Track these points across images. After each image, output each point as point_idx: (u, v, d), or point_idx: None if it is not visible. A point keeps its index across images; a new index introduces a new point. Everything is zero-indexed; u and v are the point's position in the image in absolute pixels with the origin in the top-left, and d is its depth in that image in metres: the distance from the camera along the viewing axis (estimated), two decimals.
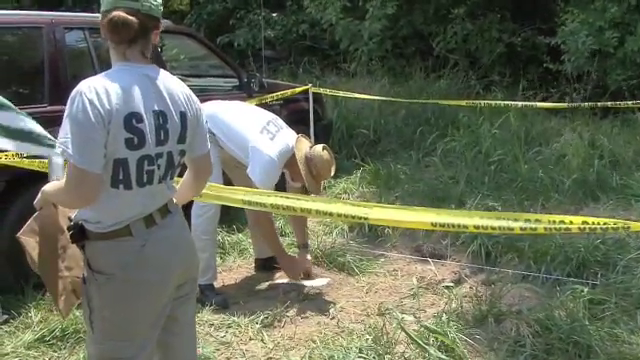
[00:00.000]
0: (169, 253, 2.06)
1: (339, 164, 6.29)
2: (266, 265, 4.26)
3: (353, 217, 3.03)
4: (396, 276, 4.25)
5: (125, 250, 1.97)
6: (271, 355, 3.23)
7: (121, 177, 1.92)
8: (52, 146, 2.40)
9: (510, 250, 4.33)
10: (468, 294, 3.83)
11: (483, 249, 4.37)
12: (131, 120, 1.89)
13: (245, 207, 3.38)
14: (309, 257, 4.18)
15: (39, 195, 2.09)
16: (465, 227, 2.77)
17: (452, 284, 4.03)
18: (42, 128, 2.47)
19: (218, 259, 4.26)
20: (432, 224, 2.79)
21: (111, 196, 1.93)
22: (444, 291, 3.93)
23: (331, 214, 3.10)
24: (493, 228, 2.71)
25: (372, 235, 4.85)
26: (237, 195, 3.33)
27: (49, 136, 2.43)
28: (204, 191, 3.35)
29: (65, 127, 1.84)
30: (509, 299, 3.71)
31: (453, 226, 2.79)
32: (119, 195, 1.94)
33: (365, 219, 3.03)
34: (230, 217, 4.13)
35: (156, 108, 1.96)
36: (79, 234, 2.00)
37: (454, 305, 3.64)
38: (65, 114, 1.86)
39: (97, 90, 1.85)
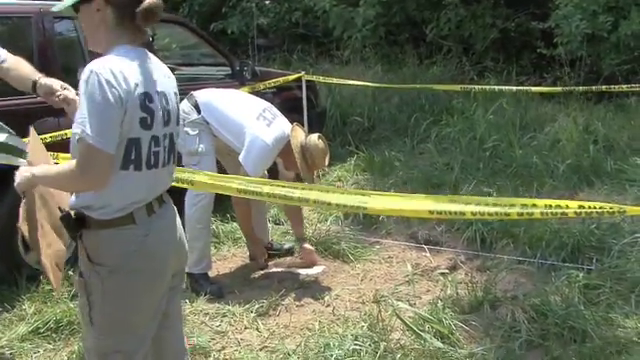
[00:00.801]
0: (167, 243, 2.07)
1: (333, 151, 6.27)
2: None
3: (351, 207, 3.02)
4: (391, 263, 4.25)
5: (129, 239, 1.95)
6: (266, 344, 3.22)
7: (133, 157, 1.92)
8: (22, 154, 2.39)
9: (505, 236, 4.33)
10: (463, 280, 3.82)
11: (478, 235, 4.36)
12: (145, 100, 1.92)
13: (240, 196, 3.35)
14: (309, 247, 4.16)
15: (21, 178, 1.99)
16: (462, 214, 2.77)
17: (447, 271, 4.03)
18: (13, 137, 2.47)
19: (212, 248, 4.26)
20: (430, 212, 2.78)
21: (120, 178, 1.91)
22: (439, 278, 3.93)
23: (329, 204, 3.09)
24: (490, 214, 2.71)
25: (367, 222, 4.85)
26: (232, 184, 3.31)
27: (19, 145, 2.43)
28: (198, 179, 3.35)
29: (82, 108, 1.82)
30: (504, 285, 3.71)
31: (451, 213, 2.78)
32: (128, 177, 1.93)
33: (363, 209, 3.02)
34: (224, 206, 4.12)
35: (159, 89, 1.98)
36: (77, 223, 1.96)
37: (449, 292, 3.64)
38: (81, 95, 1.84)
39: (112, 70, 1.85)
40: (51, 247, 2.10)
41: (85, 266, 1.97)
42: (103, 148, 1.82)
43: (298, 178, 3.93)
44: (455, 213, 2.77)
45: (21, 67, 2.50)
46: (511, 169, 5.61)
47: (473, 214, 2.74)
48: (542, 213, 2.60)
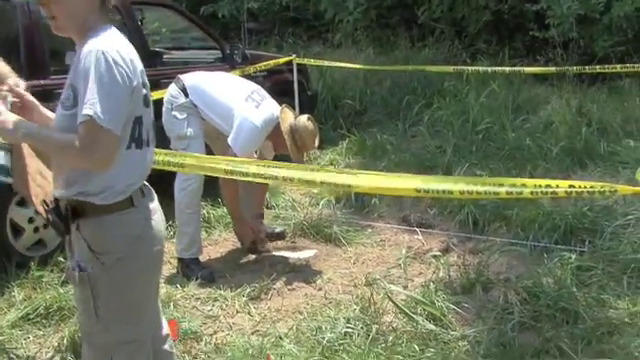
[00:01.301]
0: (162, 223, 2.08)
1: (325, 135, 6.28)
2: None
3: (337, 185, 3.02)
4: (383, 246, 4.25)
5: (131, 223, 1.94)
6: (258, 328, 3.22)
7: (137, 135, 1.92)
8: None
9: (498, 218, 4.33)
10: (456, 263, 3.83)
11: (471, 218, 4.36)
12: (143, 77, 1.93)
13: (228, 177, 3.34)
14: (261, 226, 4.13)
15: (12, 127, 1.86)
16: (450, 193, 2.77)
17: (440, 253, 4.03)
18: None
19: (203, 233, 4.25)
20: (417, 190, 2.78)
21: (124, 158, 1.89)
22: (432, 260, 3.93)
23: (314, 182, 3.08)
24: (479, 193, 2.71)
25: (359, 206, 4.84)
26: (220, 165, 3.29)
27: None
28: (187, 162, 3.32)
29: (92, 89, 1.79)
30: (497, 267, 3.72)
31: (438, 192, 2.79)
32: (130, 156, 1.92)
33: (349, 187, 3.02)
34: (215, 190, 4.09)
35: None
36: (73, 213, 1.91)
37: (442, 274, 3.65)
38: (90, 76, 1.79)
39: (118, 50, 1.85)
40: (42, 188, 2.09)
41: (86, 258, 1.91)
42: (112, 129, 1.80)
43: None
44: (443, 192, 2.78)
45: None
46: (504, 152, 5.61)
47: (461, 193, 2.74)
48: (532, 192, 2.60)
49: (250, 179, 3.30)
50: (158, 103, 3.84)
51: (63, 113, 1.90)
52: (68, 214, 1.92)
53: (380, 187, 3.03)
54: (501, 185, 2.65)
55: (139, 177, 1.98)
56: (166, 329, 2.24)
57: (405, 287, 3.56)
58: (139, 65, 1.92)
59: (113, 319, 1.95)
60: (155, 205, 2.05)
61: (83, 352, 2.09)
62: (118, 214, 1.91)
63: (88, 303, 1.94)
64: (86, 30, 1.91)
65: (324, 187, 3.18)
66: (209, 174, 3.41)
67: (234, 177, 3.27)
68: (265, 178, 3.22)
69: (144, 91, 1.94)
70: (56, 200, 1.96)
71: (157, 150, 3.28)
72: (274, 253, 4.12)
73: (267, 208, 4.84)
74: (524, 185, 2.62)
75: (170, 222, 4.28)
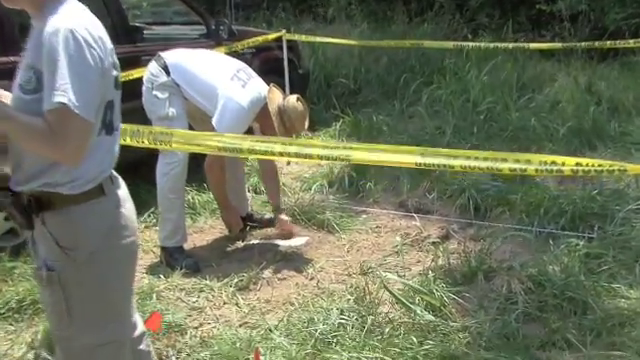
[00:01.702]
0: (133, 213, 2.02)
1: (316, 116, 6.28)
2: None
3: (334, 158, 3.02)
4: (379, 233, 4.25)
5: (103, 213, 1.88)
6: (247, 319, 3.22)
7: (107, 121, 1.87)
8: None
9: (500, 203, 4.33)
10: (456, 250, 3.83)
11: (472, 202, 4.37)
12: (113, 56, 1.86)
13: (220, 154, 3.32)
14: (286, 217, 4.16)
15: None
16: (451, 167, 2.78)
17: (439, 240, 4.03)
18: None
19: (188, 220, 4.24)
20: (417, 163, 2.78)
21: (95, 145, 1.83)
22: (430, 248, 3.93)
23: (310, 156, 3.07)
24: (480, 169, 2.71)
25: (353, 191, 4.84)
26: (210, 141, 3.26)
27: None
28: (174, 139, 3.28)
29: (62, 74, 1.69)
30: (500, 255, 3.72)
31: (438, 166, 2.79)
32: (100, 143, 1.86)
33: (347, 160, 3.02)
34: (200, 174, 4.06)
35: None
36: (37, 205, 1.83)
37: (441, 262, 3.65)
38: (60, 59, 1.70)
39: (87, 27, 1.77)
40: None
41: (54, 255, 1.84)
42: (86, 117, 1.73)
43: None
44: (443, 166, 2.78)
45: None
46: (507, 133, 5.60)
47: (462, 167, 2.74)
48: (537, 170, 2.60)
49: (244, 155, 3.27)
50: (138, 82, 3.84)
51: (23, 98, 1.79)
52: (31, 207, 1.83)
53: (379, 160, 3.02)
54: (504, 160, 2.64)
55: (109, 164, 1.91)
56: (141, 328, 2.17)
57: (402, 276, 3.55)
58: (109, 43, 1.85)
59: (88, 321, 1.90)
60: (124, 193, 1.99)
61: (57, 357, 2.04)
62: (88, 204, 1.84)
63: (59, 305, 1.86)
64: (41, 2, 1.82)
65: (321, 161, 3.18)
66: (199, 151, 3.38)
67: (227, 154, 3.24)
68: (260, 154, 3.20)
69: (115, 72, 1.88)
70: (14, 192, 1.86)
71: (142, 127, 3.29)
72: (263, 241, 4.11)
73: (256, 193, 4.84)
74: (528, 161, 2.61)
75: (152, 209, 4.31)
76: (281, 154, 3.14)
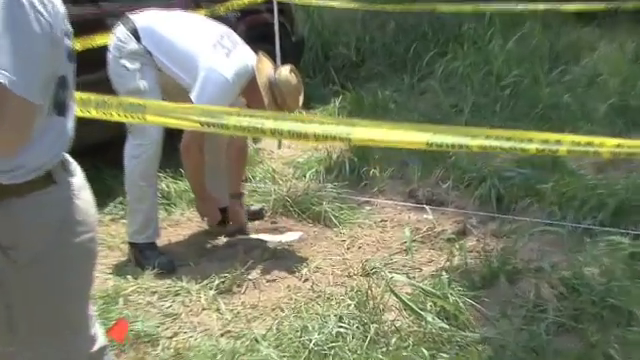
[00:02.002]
0: (91, 204, 1.97)
1: (313, 92, 6.26)
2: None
3: (333, 137, 2.98)
4: (384, 228, 4.25)
5: (52, 205, 1.82)
6: (229, 328, 3.20)
7: (59, 99, 1.80)
8: None
9: (528, 194, 4.34)
10: (475, 248, 3.83)
11: (493, 193, 4.37)
12: (66, 23, 1.78)
13: (202, 130, 3.28)
14: (240, 208, 4.16)
15: None
16: (467, 147, 2.74)
17: (454, 236, 4.03)
18: None
19: (161, 211, 4.23)
20: (428, 144, 2.75)
21: (40, 127, 1.75)
22: (444, 245, 3.93)
23: (306, 135, 3.04)
24: (503, 149, 2.68)
25: (354, 178, 4.84)
26: (191, 115, 3.22)
27: None
28: (148, 113, 3.24)
29: (1, 45, 1.61)
30: (526, 254, 3.72)
31: (453, 146, 2.76)
32: (50, 124, 1.79)
33: (348, 139, 2.99)
34: (176, 158, 4.04)
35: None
36: None
37: (457, 262, 3.64)
38: None
39: None
40: None
41: None
42: (28, 97, 1.65)
43: None
44: (459, 146, 2.75)
45: None
46: (536, 111, 5.60)
47: (482, 148, 2.71)
48: (568, 151, 2.56)
49: (230, 132, 3.24)
50: (103, 50, 3.81)
51: None
52: None
53: (384, 140, 2.99)
54: (530, 141, 2.61)
55: (60, 148, 1.84)
56: (102, 340, 2.11)
57: (412, 277, 3.55)
58: (61, 6, 1.76)
59: (35, 334, 1.86)
60: (80, 181, 1.93)
61: None
62: (34, 195, 1.78)
63: (0, 317, 1.84)
64: None
65: (319, 140, 3.15)
66: (176, 126, 3.32)
67: (210, 130, 3.20)
68: (248, 131, 3.16)
69: (67, 42, 1.79)
70: None
71: (110, 97, 3.25)
72: (250, 236, 4.11)
73: (243, 181, 4.82)
74: (559, 142, 2.57)
75: (120, 198, 4.29)
76: (273, 132, 3.10)
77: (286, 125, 3.08)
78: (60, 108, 1.81)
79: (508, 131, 2.74)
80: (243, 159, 4.21)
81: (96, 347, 2.06)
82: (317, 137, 3.04)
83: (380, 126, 3.05)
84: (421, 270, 3.67)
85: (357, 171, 4.85)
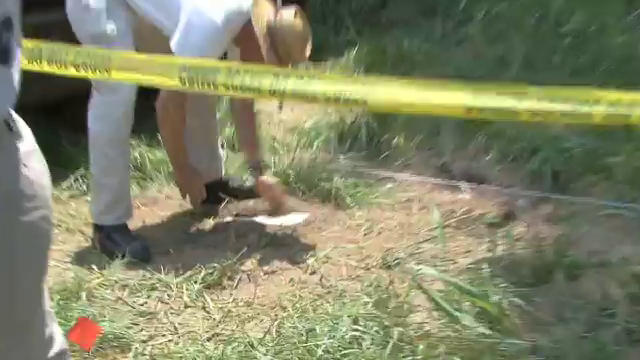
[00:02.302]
0: (44, 174, 1.97)
1: (323, 40, 6.23)
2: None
3: (347, 100, 2.95)
4: (410, 210, 4.26)
5: None
6: (218, 330, 3.21)
7: (2, 45, 1.75)
8: None
9: (591, 169, 4.35)
10: (523, 236, 3.84)
11: (548, 168, 4.38)
12: None
13: (184, 90, 3.27)
14: (270, 179, 4.16)
15: None
16: (515, 113, 2.71)
17: (498, 221, 4.04)
18: None
19: (134, 186, 4.26)
20: (467, 109, 2.73)
21: None
22: (485, 231, 3.95)
23: (314, 97, 3.03)
24: (564, 114, 2.66)
25: (374, 149, 4.87)
26: (170, 69, 3.21)
27: None
28: (114, 67, 3.25)
29: None
30: (588, 244, 3.73)
31: (497, 111, 2.74)
32: None
33: (364, 102, 2.96)
34: (153, 122, 4.04)
35: None
36: None
37: (501, 252, 3.66)
38: None
39: None
40: None
41: None
42: None
43: None
44: (506, 112, 2.72)
45: None
46: (605, 66, 5.56)
47: (533, 114, 2.69)
48: None
49: (220, 92, 3.22)
50: None
51: None
52: None
53: (409, 104, 2.97)
54: (596, 102, 2.59)
55: (4, 105, 1.87)
56: (60, 343, 2.15)
57: (444, 271, 3.55)
58: None
59: None
60: (30, 146, 1.93)
61: None
62: None
63: None
64: None
65: (328, 103, 3.13)
66: (149, 84, 3.32)
67: (194, 90, 3.19)
68: (241, 90, 3.14)
69: None
70: None
71: (66, 46, 3.25)
72: (243, 218, 4.13)
73: (233, 150, 4.83)
74: (634, 103, 2.55)
75: (82, 170, 4.30)
76: (272, 93, 3.08)
77: (289, 83, 3.06)
78: (3, 55, 1.82)
79: (568, 90, 2.72)
80: (254, 122, 4.21)
81: (54, 351, 2.08)
82: (327, 99, 3.03)
83: (405, 85, 3.03)
84: (456, 262, 3.68)
85: (377, 139, 4.86)
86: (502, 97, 2.76)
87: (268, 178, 4.16)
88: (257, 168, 4.13)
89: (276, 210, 4.12)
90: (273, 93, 3.09)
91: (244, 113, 4.14)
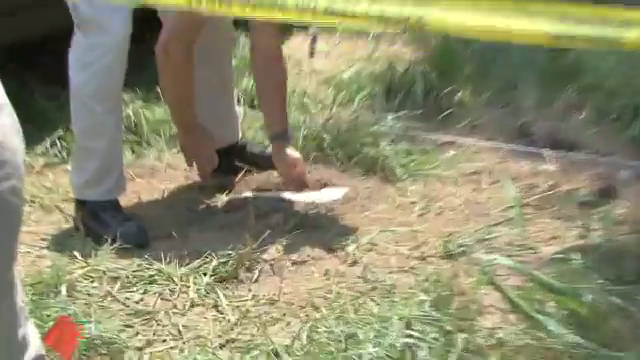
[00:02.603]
0: (14, 134, 1.96)
1: None
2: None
3: (396, 20, 2.91)
4: (478, 184, 4.28)
5: None
6: (233, 335, 3.20)
7: None
8: None
9: None
10: (627, 218, 3.83)
11: None
12: None
13: (191, 9, 3.23)
14: (294, 152, 4.14)
15: None
16: (617, 42, 2.66)
17: (593, 199, 4.03)
18: None
19: (127, 152, 4.30)
20: (554, 37, 2.68)
21: None
22: (576, 212, 3.93)
23: (353, 14, 2.97)
24: None
25: (431, 105, 4.88)
26: None
27: None
28: None
29: None
30: None
31: (591, 40, 2.69)
32: None
33: (418, 24, 2.91)
34: (150, 73, 4.04)
35: None
36: None
37: (598, 239, 3.64)
38: None
39: None
40: None
41: None
42: None
43: None
44: (605, 40, 2.67)
45: None
46: None
47: None
48: None
49: (234, 14, 3.20)
50: None
51: None
52: None
53: (478, 27, 2.92)
54: None
55: None
56: (36, 347, 2.16)
57: (523, 262, 3.53)
58: None
59: None
60: (2, 100, 1.95)
61: None
62: None
63: None
64: None
65: (371, 25, 3.09)
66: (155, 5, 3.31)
67: (201, 9, 3.15)
68: (260, 10, 3.10)
69: None
70: None
71: None
72: (265, 194, 4.15)
73: (251, 107, 4.82)
74: None
75: (60, 131, 4.30)
76: (299, 11, 3.01)
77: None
78: None
79: None
80: (282, 80, 4.16)
81: (28, 356, 2.08)
82: (369, 18, 2.97)
83: (474, 3, 2.98)
84: (537, 251, 3.66)
85: (435, 93, 4.85)
86: (604, 16, 2.71)
87: (290, 151, 4.13)
88: (279, 139, 4.11)
89: (299, 188, 4.12)
90: (301, 12, 3.04)
91: (268, 67, 4.10)
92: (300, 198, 4.06)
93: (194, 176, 4.23)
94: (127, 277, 3.51)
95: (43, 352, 2.16)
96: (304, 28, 5.95)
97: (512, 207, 3.96)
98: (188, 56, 3.80)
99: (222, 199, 4.11)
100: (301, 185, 4.11)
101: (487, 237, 3.76)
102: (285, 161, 4.09)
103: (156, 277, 3.51)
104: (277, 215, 3.93)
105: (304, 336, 3.12)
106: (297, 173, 4.10)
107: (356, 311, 3.25)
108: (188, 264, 3.56)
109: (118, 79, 3.81)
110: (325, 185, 4.16)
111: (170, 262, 3.57)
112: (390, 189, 4.19)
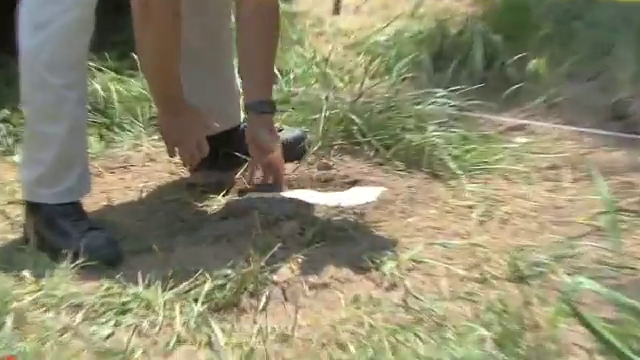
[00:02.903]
0: None
1: None
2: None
3: None
4: (557, 181, 4.26)
5: None
6: None
7: None
8: None
9: None
10: None
11: None
12: None
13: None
14: (272, 134, 4.15)
15: None
16: None
17: None
18: None
19: (94, 139, 4.34)
20: None
21: None
22: None
23: None
24: None
25: (494, 77, 4.84)
26: None
27: None
28: None
29: None
30: None
31: None
32: None
33: None
34: (124, 34, 4.03)
35: None
36: None
37: None
38: None
39: None
40: None
41: None
42: None
43: None
44: None
45: None
46: None
47: None
48: None
49: None
50: None
51: None
52: None
53: None
54: None
55: None
56: None
57: (617, 287, 3.47)
58: None
59: None
60: None
61: None
62: None
63: None
64: None
65: None
66: None
67: None
68: None
69: None
70: None
71: None
72: (279, 193, 4.14)
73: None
74: None
75: (6, 111, 4.30)
76: None
77: None
78: None
79: None
80: (271, 34, 4.17)
81: None
82: None
83: None
84: (637, 272, 3.63)
85: (500, 62, 4.80)
86: None
87: (266, 131, 4.12)
88: (256, 110, 4.11)
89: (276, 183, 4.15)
90: None
91: (245, 12, 4.10)
92: (321, 200, 4.04)
93: (181, 171, 4.20)
94: (93, 305, 3.48)
95: None
96: None
97: (603, 212, 3.91)
98: (174, 10, 3.78)
99: (218, 201, 4.12)
100: (276, 177, 4.14)
101: (569, 253, 3.74)
102: (258, 141, 4.09)
103: (131, 305, 3.47)
104: (290, 223, 3.91)
105: None
106: (272, 159, 4.11)
107: (395, 351, 3.21)
108: (173, 288, 3.53)
109: (82, 44, 3.80)
110: (354, 183, 4.18)
111: (150, 285, 3.55)
112: (440, 189, 4.21)
